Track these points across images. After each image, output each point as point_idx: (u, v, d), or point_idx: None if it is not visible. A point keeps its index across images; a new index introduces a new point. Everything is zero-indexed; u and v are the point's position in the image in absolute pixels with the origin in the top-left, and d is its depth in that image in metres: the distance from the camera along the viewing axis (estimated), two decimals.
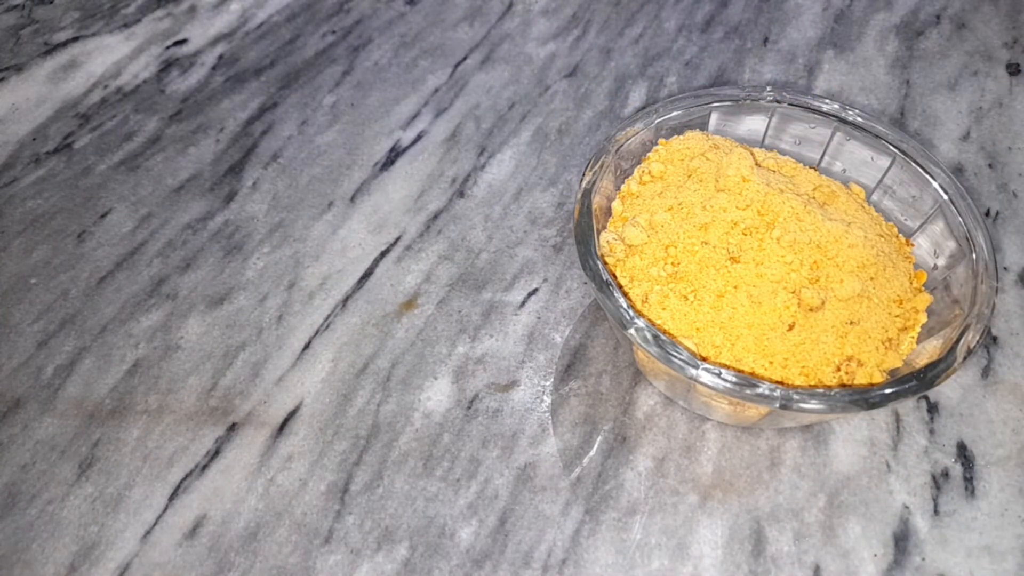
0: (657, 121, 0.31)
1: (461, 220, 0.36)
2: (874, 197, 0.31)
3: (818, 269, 0.26)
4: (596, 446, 0.29)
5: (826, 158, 0.32)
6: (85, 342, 0.32)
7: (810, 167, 0.31)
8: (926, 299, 0.27)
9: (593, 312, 0.33)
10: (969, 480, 0.28)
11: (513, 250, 0.35)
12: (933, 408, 0.30)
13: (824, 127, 0.31)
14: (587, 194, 0.28)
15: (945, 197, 0.29)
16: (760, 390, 0.23)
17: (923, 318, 0.27)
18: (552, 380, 0.31)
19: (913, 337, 0.27)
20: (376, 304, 0.33)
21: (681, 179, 0.30)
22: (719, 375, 0.23)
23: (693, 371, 0.24)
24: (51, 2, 0.47)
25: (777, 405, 0.23)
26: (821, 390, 0.24)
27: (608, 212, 0.30)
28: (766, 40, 0.45)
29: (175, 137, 0.40)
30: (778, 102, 0.31)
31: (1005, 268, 0.34)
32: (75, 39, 0.45)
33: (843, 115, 0.31)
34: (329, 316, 0.33)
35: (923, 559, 0.27)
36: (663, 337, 0.24)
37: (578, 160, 0.39)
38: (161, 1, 0.47)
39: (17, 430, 0.30)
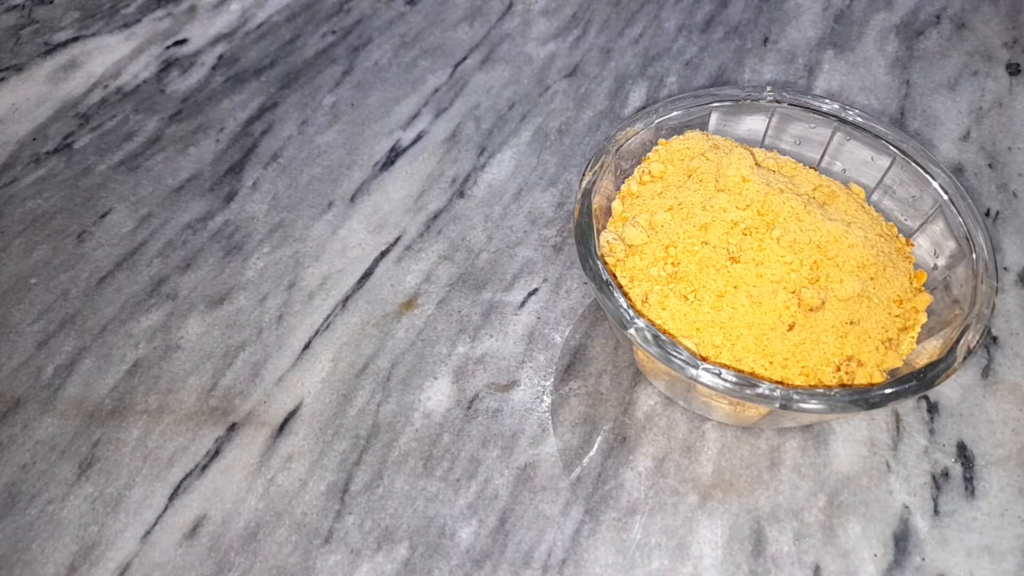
0: (657, 121, 0.31)
1: (461, 220, 0.36)
2: (874, 197, 0.31)
3: (818, 269, 0.26)
4: (596, 446, 0.29)
5: (826, 158, 0.32)
6: (85, 342, 0.32)
7: (810, 167, 0.31)
8: (926, 299, 0.27)
9: (593, 312, 0.33)
10: (969, 480, 0.28)
11: (513, 250, 0.35)
12: (933, 408, 0.30)
13: (824, 127, 0.31)
14: (587, 194, 0.28)
15: (945, 197, 0.29)
16: (760, 390, 0.23)
17: (923, 318, 0.27)
18: (552, 380, 0.31)
19: (913, 337, 0.27)
20: (376, 304, 0.33)
21: (681, 179, 0.30)
22: (719, 375, 0.23)
23: (693, 371, 0.24)
24: (51, 2, 0.47)
25: (777, 405, 0.23)
26: (821, 390, 0.24)
27: (608, 212, 0.30)
28: (766, 40, 0.45)
29: (175, 137, 0.40)
30: (778, 102, 0.31)
31: (1005, 268, 0.34)
32: (75, 39, 0.45)
33: (843, 115, 0.31)
34: (329, 316, 0.33)
35: (923, 559, 0.27)
36: (663, 337, 0.24)
37: (578, 160, 0.39)
38: (161, 1, 0.47)
39: (17, 430, 0.30)
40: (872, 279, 0.27)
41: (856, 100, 0.42)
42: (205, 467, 0.29)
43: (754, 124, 0.32)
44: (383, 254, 0.35)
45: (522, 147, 0.39)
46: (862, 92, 0.42)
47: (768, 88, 0.32)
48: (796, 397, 0.23)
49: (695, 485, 0.28)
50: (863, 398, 0.23)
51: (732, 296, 0.26)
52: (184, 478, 0.28)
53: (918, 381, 0.24)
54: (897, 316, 0.27)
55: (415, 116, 0.41)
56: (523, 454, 0.29)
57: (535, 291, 0.34)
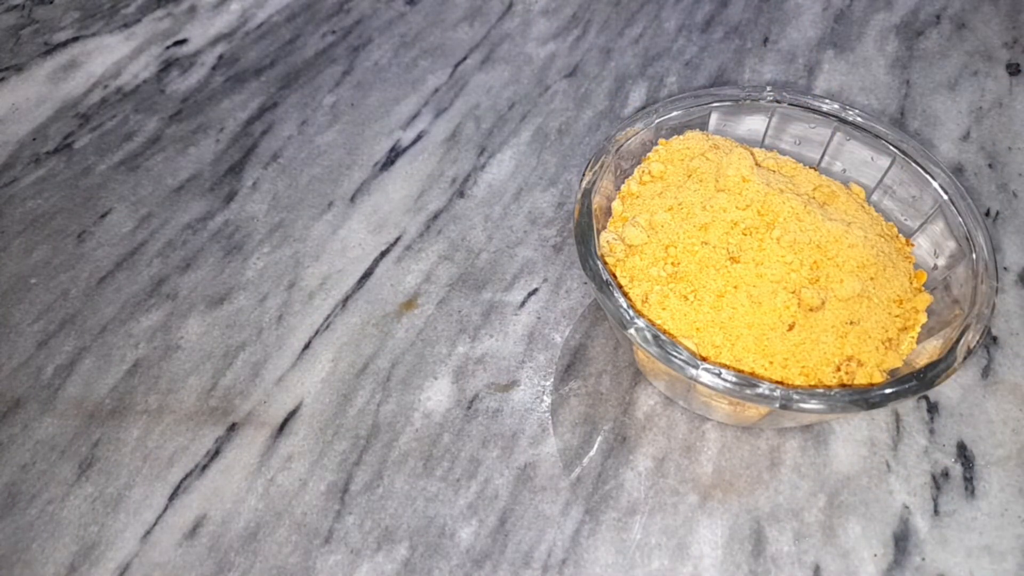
0: (657, 121, 0.31)
1: (461, 220, 0.36)
2: (874, 197, 0.31)
3: (818, 269, 0.26)
4: (596, 446, 0.29)
5: (826, 158, 0.32)
6: (85, 342, 0.32)
7: (810, 167, 0.31)
8: (926, 299, 0.27)
9: (593, 312, 0.33)
10: (969, 480, 0.28)
11: (513, 250, 0.35)
12: (933, 408, 0.30)
13: (824, 127, 0.31)
14: (587, 194, 0.28)
15: (945, 197, 0.29)
16: (760, 390, 0.23)
17: (923, 318, 0.27)
18: (552, 380, 0.31)
19: (913, 337, 0.27)
20: (376, 304, 0.33)
21: (681, 179, 0.30)
22: (719, 375, 0.23)
23: (693, 371, 0.24)
24: (51, 2, 0.47)
25: (777, 405, 0.23)
26: (821, 390, 0.24)
27: (608, 212, 0.30)
28: (766, 40, 0.45)
29: (175, 137, 0.40)
30: (778, 102, 0.31)
31: (1005, 268, 0.34)
32: (75, 39, 0.45)
33: (843, 115, 0.31)
34: (329, 316, 0.33)
35: (923, 559, 0.27)
36: (663, 337, 0.24)
37: (578, 160, 0.39)
38: (161, 1, 0.47)
39: (17, 430, 0.30)
40: (872, 279, 0.27)
41: (856, 100, 0.42)
42: (205, 467, 0.29)
43: (754, 124, 0.32)
44: (383, 254, 0.35)
45: (522, 147, 0.39)
46: (862, 92, 0.42)
47: (768, 88, 0.32)
48: (796, 397, 0.23)
49: (695, 485, 0.28)
50: (863, 398, 0.23)
51: (732, 296, 0.26)
52: (184, 478, 0.28)
53: (918, 381, 0.24)
54: (897, 316, 0.27)
55: (415, 116, 0.41)
56: (523, 454, 0.29)
57: (535, 291, 0.34)
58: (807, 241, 0.27)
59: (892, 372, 0.26)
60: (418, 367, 0.31)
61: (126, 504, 0.28)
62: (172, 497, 0.28)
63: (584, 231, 0.27)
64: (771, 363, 0.25)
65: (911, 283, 0.28)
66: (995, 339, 0.32)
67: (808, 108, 0.31)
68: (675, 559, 0.27)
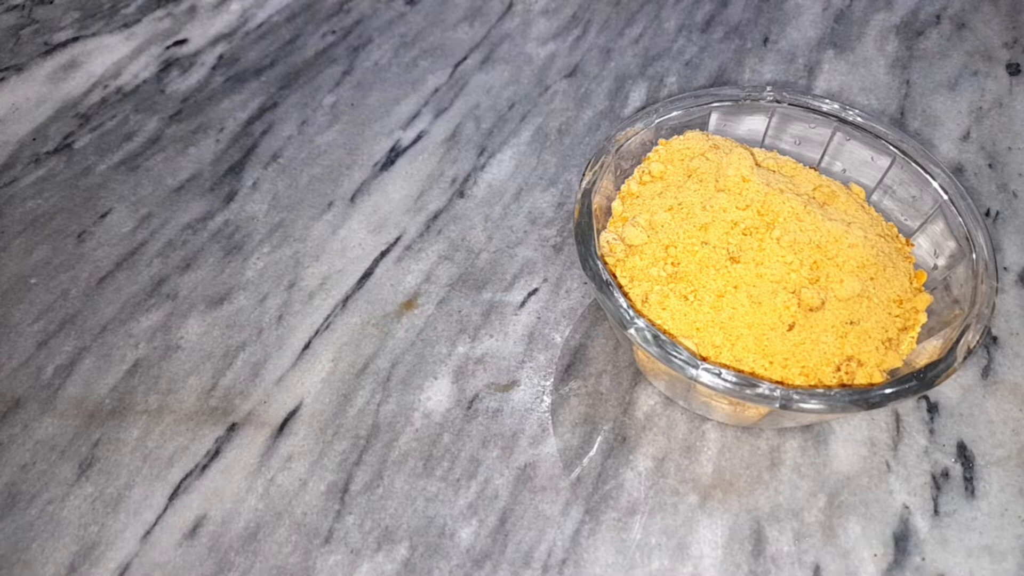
0: (657, 121, 0.31)
1: (461, 220, 0.36)
2: (874, 197, 0.31)
3: (818, 269, 0.26)
4: (596, 446, 0.29)
5: (826, 158, 0.32)
6: (85, 342, 0.32)
7: (810, 167, 0.31)
8: (926, 299, 0.27)
9: (593, 312, 0.33)
10: (969, 480, 0.28)
11: (513, 250, 0.35)
12: (933, 408, 0.30)
13: (824, 127, 0.31)
14: (587, 194, 0.28)
15: (945, 197, 0.29)
16: (760, 390, 0.23)
17: (923, 318, 0.27)
18: (552, 380, 0.31)
19: (913, 337, 0.27)
20: (376, 304, 0.33)
21: (681, 179, 0.30)
22: (719, 375, 0.23)
23: (693, 371, 0.24)
24: (51, 2, 0.47)
25: (777, 405, 0.23)
26: (821, 390, 0.24)
27: (608, 212, 0.30)
28: (766, 40, 0.45)
29: (175, 137, 0.40)
30: (778, 102, 0.31)
31: (1005, 268, 0.34)
32: (75, 39, 0.45)
33: (843, 115, 0.31)
34: (329, 316, 0.33)
35: (923, 559, 0.27)
36: (663, 337, 0.24)
37: (578, 160, 0.39)
38: (161, 1, 0.47)
39: (17, 430, 0.30)
40: (872, 279, 0.27)
41: (856, 100, 0.42)
42: (205, 467, 0.29)
43: (754, 124, 0.32)
44: (383, 254, 0.35)
45: (522, 147, 0.39)
46: (862, 92, 0.42)
47: (768, 88, 0.32)
48: (796, 397, 0.23)
49: (695, 485, 0.28)
50: (863, 398, 0.23)
51: (732, 296, 0.26)
52: (184, 478, 0.28)
53: (918, 381, 0.24)
54: (897, 316, 0.27)
55: (415, 116, 0.41)
56: (523, 454, 0.29)
57: (535, 291, 0.34)
58: (807, 241, 0.27)
59: (892, 372, 0.26)
60: (418, 367, 0.31)
61: (126, 504, 0.28)
62: (172, 497, 0.28)
63: (584, 231, 0.27)
64: (771, 363, 0.25)
65: (911, 283, 0.28)
66: (995, 339, 0.32)
67: (808, 108, 0.31)
68: (675, 559, 0.27)
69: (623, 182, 0.31)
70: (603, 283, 0.26)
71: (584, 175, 0.29)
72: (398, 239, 0.36)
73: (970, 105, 0.41)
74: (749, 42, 0.45)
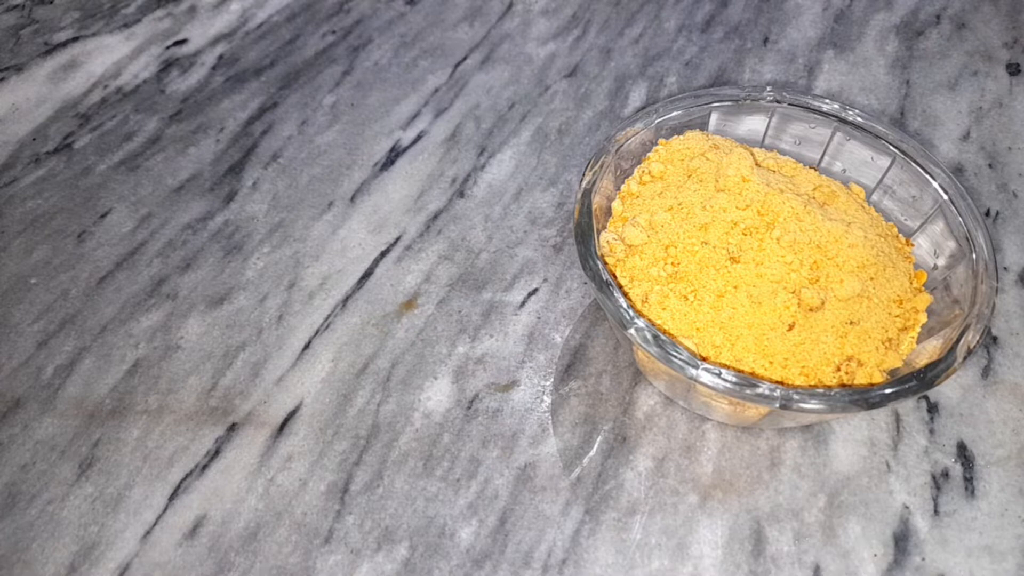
0: (657, 121, 0.31)
1: (461, 220, 0.36)
2: (874, 197, 0.31)
3: (818, 269, 0.26)
4: (596, 446, 0.29)
5: (826, 158, 0.32)
6: (85, 342, 0.32)
7: (810, 167, 0.31)
8: (926, 299, 0.27)
9: (593, 312, 0.33)
10: (969, 480, 0.28)
11: (513, 250, 0.35)
12: (933, 408, 0.30)
13: (824, 127, 0.31)
14: (587, 194, 0.28)
15: (945, 197, 0.29)
16: (760, 390, 0.23)
17: (923, 318, 0.27)
18: (552, 380, 0.31)
19: (913, 337, 0.27)
20: (376, 304, 0.33)
21: (681, 179, 0.30)
22: (719, 375, 0.23)
23: (693, 371, 0.24)
24: (51, 2, 0.47)
25: (777, 405, 0.23)
26: (821, 390, 0.24)
27: (608, 212, 0.30)
28: (766, 40, 0.45)
29: (175, 137, 0.40)
30: (778, 102, 0.31)
31: (1005, 268, 0.34)
32: (75, 39, 0.45)
33: (843, 115, 0.31)
34: (329, 316, 0.33)
35: (923, 559, 0.27)
36: (663, 337, 0.24)
37: (578, 160, 0.39)
38: (161, 1, 0.47)
39: (17, 430, 0.30)
40: (872, 279, 0.27)
41: (856, 100, 0.42)
42: (205, 467, 0.29)
43: (754, 124, 0.32)
44: (383, 254, 0.35)
45: (522, 147, 0.39)
46: (862, 92, 0.42)
47: (768, 88, 0.32)
48: (796, 397, 0.23)
49: (695, 485, 0.28)
50: (863, 398, 0.23)
51: (732, 296, 0.26)
52: (184, 478, 0.28)
53: (918, 381, 0.24)
54: (897, 316, 0.27)
55: (415, 116, 0.41)
56: (523, 454, 0.29)
57: (535, 291, 0.34)
58: (807, 241, 0.27)
59: (892, 372, 0.26)
60: (418, 367, 0.31)
61: (126, 504, 0.28)
62: (172, 497, 0.28)
63: (584, 231, 0.27)
64: (771, 363, 0.25)
65: (911, 283, 0.28)
66: (995, 339, 0.32)
67: (808, 108, 0.31)
68: (675, 559, 0.27)
69: (623, 182, 0.31)
70: (603, 283, 0.26)
71: (584, 175, 0.29)
72: (398, 239, 0.36)
73: (970, 105, 0.41)
74: (749, 42, 0.45)
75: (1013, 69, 0.43)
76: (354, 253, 0.35)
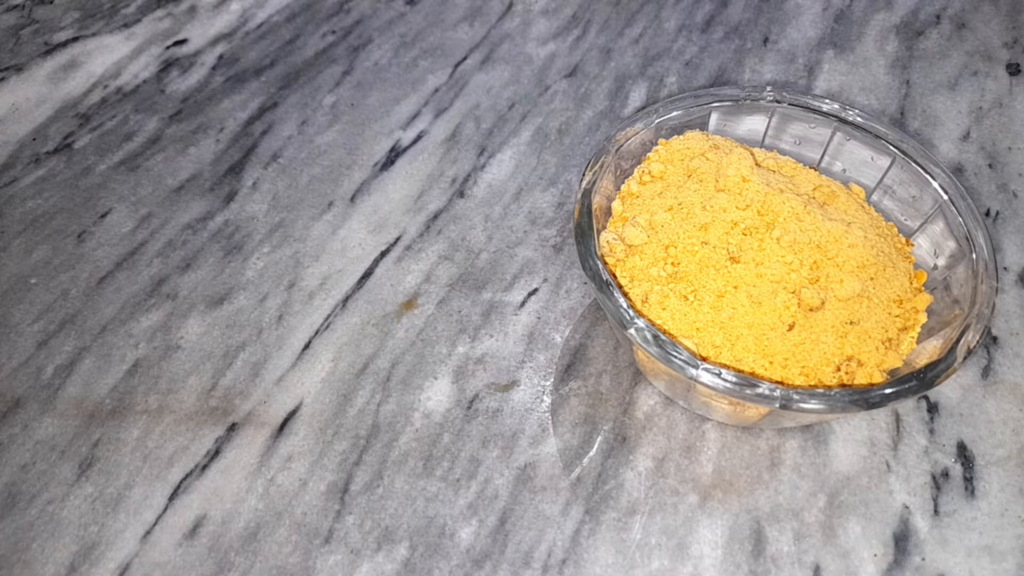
0: (657, 121, 0.31)
1: (461, 220, 0.36)
2: (874, 197, 0.31)
3: (818, 269, 0.26)
4: (596, 446, 0.29)
5: (826, 158, 0.32)
6: (85, 342, 0.32)
7: (810, 167, 0.31)
8: (926, 299, 0.27)
9: (593, 312, 0.33)
10: (969, 480, 0.28)
11: (513, 250, 0.35)
12: (933, 408, 0.30)
13: (824, 127, 0.31)
14: (587, 194, 0.28)
15: (945, 197, 0.29)
16: (760, 390, 0.23)
17: (923, 318, 0.27)
18: (552, 380, 0.31)
19: (913, 337, 0.27)
20: (376, 304, 0.33)
21: (681, 179, 0.30)
22: (719, 375, 0.23)
23: (693, 371, 0.24)
24: (51, 2, 0.47)
25: (777, 405, 0.23)
26: (821, 390, 0.24)
27: (608, 212, 0.30)
28: (766, 40, 0.45)
29: (175, 137, 0.40)
30: (778, 102, 0.31)
31: (1005, 268, 0.34)
32: (75, 39, 0.45)
33: (843, 115, 0.31)
34: (329, 316, 0.33)
35: (923, 559, 0.27)
36: (663, 337, 0.24)
37: (578, 160, 0.39)
38: (161, 1, 0.47)
39: (17, 430, 0.30)
40: (872, 279, 0.27)
41: (856, 100, 0.42)
42: (205, 467, 0.29)
43: (754, 124, 0.32)
44: (383, 254, 0.35)
45: (522, 147, 0.39)
46: (862, 92, 0.42)
47: (768, 88, 0.32)
48: (796, 397, 0.23)
49: (695, 485, 0.28)
50: (863, 398, 0.23)
51: (732, 296, 0.26)
52: (184, 478, 0.28)
53: (918, 381, 0.24)
54: (897, 316, 0.27)
55: (415, 116, 0.41)
56: (523, 454, 0.29)
57: (535, 291, 0.34)
58: (807, 241, 0.27)
59: (892, 372, 0.26)
60: (418, 367, 0.31)
61: (126, 504, 0.28)
62: (172, 497, 0.28)
63: (584, 231, 0.27)
64: (771, 363, 0.25)
65: (911, 283, 0.28)
66: (995, 339, 0.32)
67: (808, 108, 0.31)
68: (675, 559, 0.27)
69: (623, 182, 0.31)
70: (603, 283, 0.26)
71: (584, 175, 0.29)
72: (398, 239, 0.36)
73: (970, 105, 0.41)
74: (749, 42, 0.45)
75: (1013, 69, 0.43)
76: (354, 253, 0.35)
